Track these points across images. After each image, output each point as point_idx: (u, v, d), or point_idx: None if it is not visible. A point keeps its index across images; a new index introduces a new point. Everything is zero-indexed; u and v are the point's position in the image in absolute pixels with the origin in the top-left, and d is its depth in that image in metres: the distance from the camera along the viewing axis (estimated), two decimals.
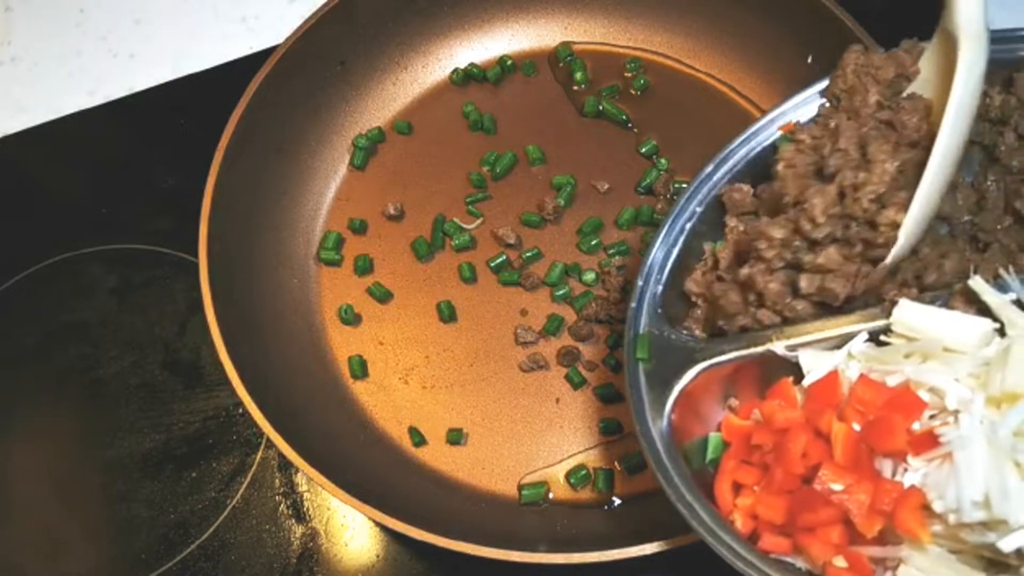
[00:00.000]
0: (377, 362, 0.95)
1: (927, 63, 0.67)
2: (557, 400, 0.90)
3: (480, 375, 0.93)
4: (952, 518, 0.54)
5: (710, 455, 0.66)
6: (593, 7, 1.08)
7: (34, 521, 0.94)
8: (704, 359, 0.67)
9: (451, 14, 1.08)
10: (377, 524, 0.83)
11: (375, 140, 1.06)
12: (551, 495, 0.86)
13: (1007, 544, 0.52)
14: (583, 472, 0.86)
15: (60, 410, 1.00)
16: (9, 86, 1.23)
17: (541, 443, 0.89)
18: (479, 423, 0.90)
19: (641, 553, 0.71)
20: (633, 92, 1.03)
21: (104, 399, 0.99)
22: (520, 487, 0.87)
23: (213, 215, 0.90)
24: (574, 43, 1.08)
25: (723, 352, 0.66)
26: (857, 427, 0.59)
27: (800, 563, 0.60)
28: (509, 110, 1.05)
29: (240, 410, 0.96)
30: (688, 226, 0.71)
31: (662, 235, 0.71)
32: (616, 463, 0.87)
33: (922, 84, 0.67)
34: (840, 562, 0.57)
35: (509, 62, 1.08)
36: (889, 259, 0.62)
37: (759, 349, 0.66)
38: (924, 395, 0.58)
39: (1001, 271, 0.62)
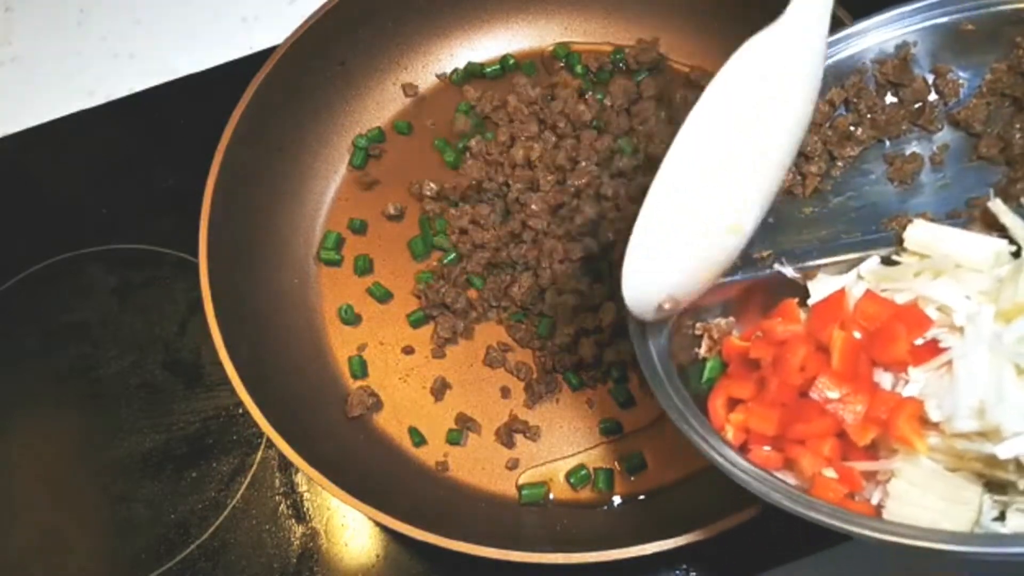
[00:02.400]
0: (377, 362, 0.95)
1: None
2: (557, 400, 0.90)
3: (480, 375, 0.93)
4: (948, 427, 0.53)
5: (706, 376, 0.66)
6: (593, 7, 1.08)
7: (34, 521, 0.94)
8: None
9: (451, 14, 1.08)
10: (377, 524, 0.83)
11: (375, 140, 1.06)
12: (551, 495, 0.86)
13: (1004, 451, 0.51)
14: (583, 472, 0.86)
15: (60, 410, 1.00)
16: (9, 86, 1.23)
17: (541, 443, 0.89)
18: (479, 423, 0.90)
19: (641, 553, 0.71)
20: (633, 92, 1.03)
21: (104, 399, 0.99)
22: (520, 487, 0.87)
23: (213, 215, 0.90)
24: (573, 43, 1.08)
25: (728, 273, 0.66)
26: (858, 335, 0.59)
27: (789, 478, 0.59)
28: (508, 110, 1.05)
29: (240, 410, 0.96)
30: None
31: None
32: (616, 463, 0.87)
33: None
34: (830, 473, 0.57)
35: (511, 61, 1.08)
36: None
37: (767, 271, 0.66)
38: (932, 313, 0.57)
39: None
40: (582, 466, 0.87)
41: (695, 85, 1.02)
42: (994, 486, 0.55)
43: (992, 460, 0.53)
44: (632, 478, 0.86)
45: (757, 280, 0.67)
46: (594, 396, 0.90)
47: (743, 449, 0.61)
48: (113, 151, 1.17)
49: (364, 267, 0.99)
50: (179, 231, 1.05)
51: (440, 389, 0.92)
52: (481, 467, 0.89)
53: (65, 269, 1.07)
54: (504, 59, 1.08)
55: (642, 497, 0.85)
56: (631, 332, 0.66)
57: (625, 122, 1.01)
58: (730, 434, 0.61)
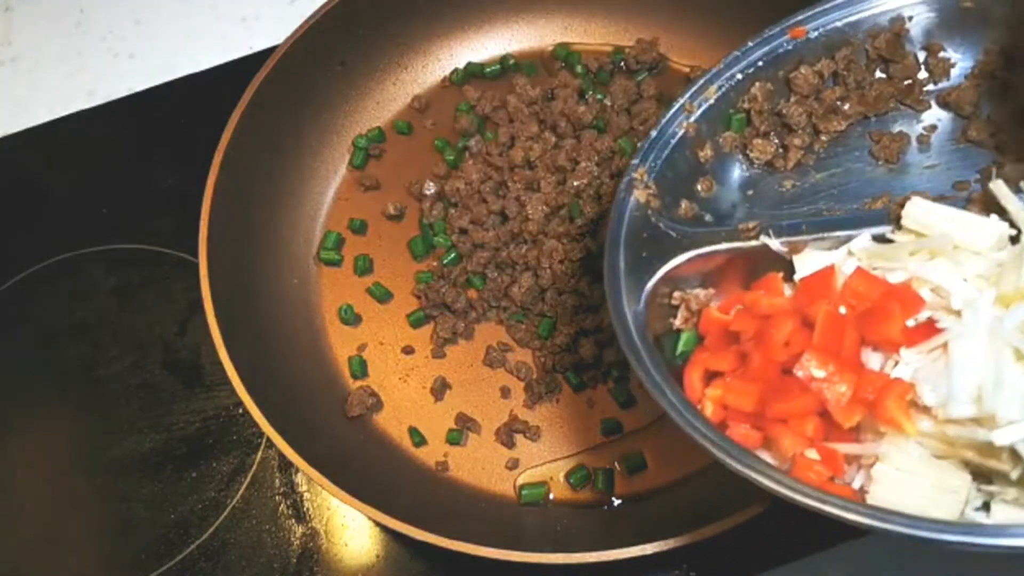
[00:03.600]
0: (377, 362, 0.95)
1: None
2: (557, 400, 0.90)
3: (480, 375, 0.93)
4: (943, 412, 0.52)
5: (680, 348, 0.64)
6: (593, 7, 1.08)
7: (34, 521, 0.94)
8: (693, 247, 0.65)
9: (451, 14, 1.08)
10: (377, 524, 0.83)
11: (375, 140, 1.06)
12: (551, 495, 0.86)
13: (1000, 437, 0.49)
14: (583, 472, 0.86)
15: (60, 410, 1.00)
16: (9, 86, 1.23)
17: (541, 443, 0.89)
18: (479, 423, 0.90)
19: (641, 553, 0.71)
20: (633, 92, 1.03)
21: (104, 399, 0.99)
22: (520, 487, 0.87)
23: (213, 215, 0.90)
24: (573, 43, 1.08)
25: (713, 242, 0.65)
26: (843, 310, 0.57)
27: (769, 458, 0.57)
28: (508, 110, 1.05)
29: (240, 410, 0.96)
30: (688, 118, 0.71)
31: (665, 119, 0.70)
32: (616, 463, 0.87)
33: None
34: (812, 454, 0.55)
35: (511, 61, 1.08)
36: None
37: (752, 243, 0.64)
38: (926, 295, 0.56)
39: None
40: (582, 466, 0.87)
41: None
42: (980, 475, 0.53)
43: (984, 448, 0.51)
44: (632, 478, 0.86)
45: (740, 252, 0.65)
46: (594, 396, 0.90)
47: (721, 426, 0.59)
48: (113, 151, 1.17)
49: (364, 267, 0.99)
50: (179, 231, 1.05)
51: (440, 389, 0.92)
52: (481, 467, 0.89)
53: (65, 269, 1.07)
54: (504, 59, 1.08)
55: (642, 497, 0.85)
56: (607, 297, 0.63)
57: (625, 122, 1.01)
58: (708, 410, 0.59)
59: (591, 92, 1.04)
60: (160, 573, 0.89)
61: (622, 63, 1.06)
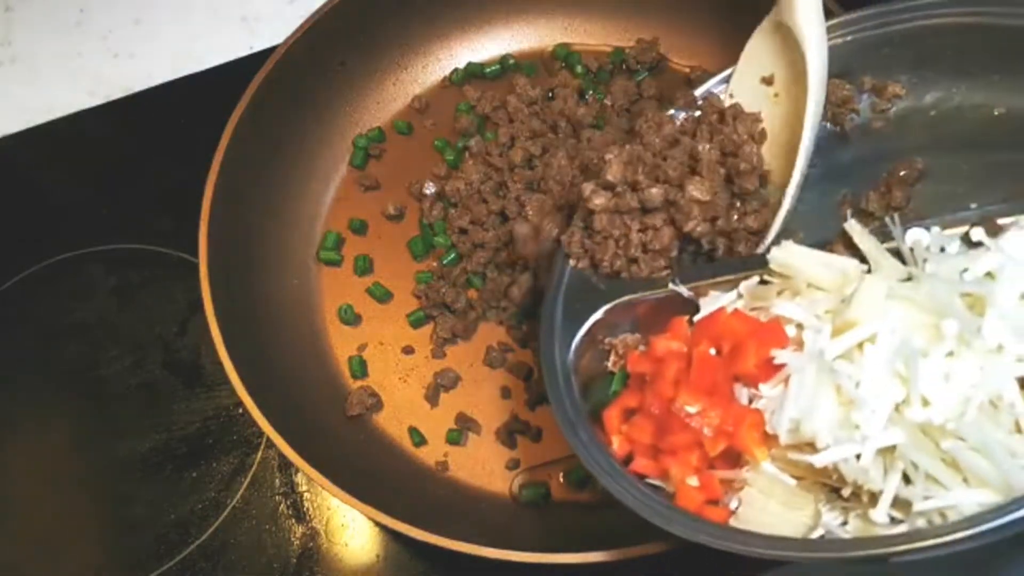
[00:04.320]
0: (377, 362, 0.95)
1: (759, 41, 0.77)
2: None
3: (480, 375, 0.93)
4: (780, 439, 0.58)
5: (613, 388, 0.70)
6: (593, 8, 1.08)
7: (34, 521, 0.94)
8: (613, 298, 0.72)
9: (451, 14, 1.08)
10: (377, 524, 0.83)
11: (375, 140, 1.06)
12: (551, 495, 0.86)
13: (818, 460, 0.55)
14: (583, 472, 0.86)
15: (60, 410, 1.00)
16: (9, 86, 1.23)
17: (541, 443, 0.89)
18: (479, 423, 0.90)
19: (641, 553, 0.71)
20: (633, 92, 1.03)
21: (104, 399, 0.99)
22: (520, 487, 0.87)
23: (213, 215, 0.90)
24: (573, 43, 1.08)
25: (632, 291, 0.72)
26: (713, 352, 0.63)
27: (667, 487, 0.64)
28: (508, 110, 1.05)
29: (240, 410, 0.96)
30: None
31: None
32: None
33: (753, 61, 0.77)
34: (693, 481, 0.61)
35: (511, 61, 1.08)
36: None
37: (663, 291, 0.71)
38: (791, 331, 0.62)
39: (887, 219, 0.66)
40: (582, 466, 0.87)
41: (695, 85, 1.02)
42: (840, 499, 0.58)
43: (821, 470, 0.56)
44: None
45: (661, 299, 0.71)
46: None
47: (627, 460, 0.65)
48: (113, 151, 1.17)
49: (364, 267, 0.99)
50: (179, 231, 1.05)
51: (439, 389, 0.92)
52: (481, 467, 0.89)
53: (65, 269, 1.07)
54: (504, 59, 1.08)
55: None
56: (540, 344, 0.71)
57: (625, 122, 1.01)
58: (615, 444, 0.66)
59: (591, 92, 1.04)
60: (160, 573, 0.89)
61: (622, 63, 1.06)
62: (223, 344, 0.83)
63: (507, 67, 1.08)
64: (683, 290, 0.70)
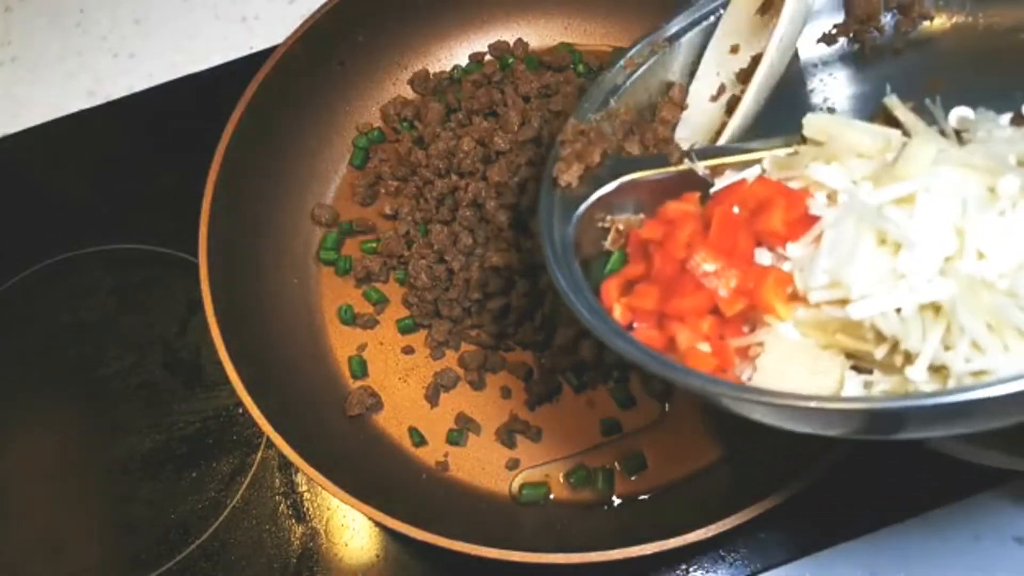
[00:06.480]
0: (377, 362, 0.95)
1: None
2: (557, 400, 0.90)
3: (480, 375, 0.92)
4: (811, 296, 0.55)
5: (609, 267, 0.67)
6: (593, 7, 1.08)
7: (34, 521, 0.94)
8: (624, 174, 0.68)
9: (451, 14, 1.08)
10: (377, 524, 0.83)
11: (375, 140, 1.06)
12: (551, 495, 0.86)
13: (854, 311, 0.52)
14: (583, 472, 0.86)
15: (60, 410, 1.00)
16: (9, 86, 1.23)
17: (541, 443, 0.89)
18: (479, 423, 0.90)
19: (641, 553, 0.71)
20: None
21: (104, 399, 0.99)
22: (520, 487, 0.87)
23: (213, 215, 0.90)
24: (574, 43, 1.08)
25: (641, 169, 0.68)
26: (737, 210, 0.60)
27: (672, 357, 0.60)
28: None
29: (240, 410, 0.96)
30: (643, 63, 0.75)
31: (614, 68, 0.74)
32: (616, 463, 0.87)
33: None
34: (704, 347, 0.58)
35: (511, 61, 1.08)
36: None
37: (678, 168, 0.67)
38: (820, 199, 0.58)
39: (927, 101, 0.63)
40: (582, 466, 0.87)
41: None
42: (862, 367, 0.56)
43: (853, 330, 0.54)
44: (632, 478, 0.86)
45: (669, 177, 0.68)
46: (594, 396, 0.90)
47: (629, 328, 0.62)
48: (113, 151, 1.17)
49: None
50: (179, 231, 1.04)
51: (439, 389, 0.92)
52: (481, 467, 0.89)
53: (65, 269, 1.07)
54: (504, 59, 1.08)
55: (642, 497, 0.85)
56: (539, 215, 0.67)
57: None
58: (617, 313, 0.62)
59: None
60: (160, 573, 0.89)
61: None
62: (223, 344, 0.83)
63: (506, 67, 1.08)
64: (699, 166, 0.66)
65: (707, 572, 0.83)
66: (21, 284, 1.07)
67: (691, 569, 0.83)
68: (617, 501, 0.85)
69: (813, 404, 0.50)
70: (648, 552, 0.71)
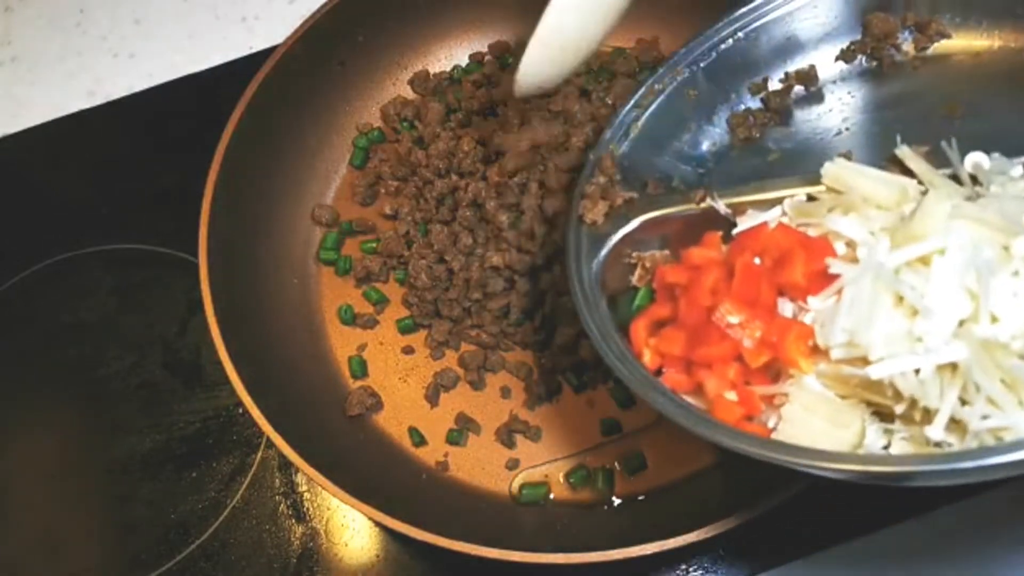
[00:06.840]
0: (377, 362, 0.95)
1: None
2: (557, 400, 0.90)
3: (480, 375, 0.92)
4: (831, 353, 0.56)
5: (636, 303, 0.68)
6: None
7: (34, 521, 0.94)
8: (646, 212, 0.70)
9: (451, 14, 1.08)
10: (377, 524, 0.83)
11: (375, 140, 1.06)
12: (551, 495, 0.86)
13: (874, 372, 0.53)
14: (583, 472, 0.86)
15: (60, 410, 1.00)
16: (9, 86, 1.23)
17: (541, 443, 0.89)
18: (479, 423, 0.90)
19: (641, 553, 0.71)
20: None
21: (104, 399, 0.99)
22: (520, 487, 0.87)
23: (213, 215, 0.90)
24: None
25: (663, 207, 0.70)
26: (758, 261, 0.61)
27: (699, 402, 0.61)
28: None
29: (240, 410, 0.96)
30: (662, 91, 0.76)
31: (634, 99, 0.75)
32: (616, 463, 0.87)
33: None
34: (731, 395, 0.59)
35: (511, 61, 1.08)
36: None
37: (700, 206, 0.68)
38: (840, 248, 0.60)
39: (943, 144, 0.63)
40: (582, 466, 0.87)
41: None
42: (883, 416, 0.57)
43: (873, 386, 0.55)
44: (632, 478, 0.86)
45: (693, 215, 0.69)
46: (594, 396, 0.90)
47: (658, 373, 0.63)
48: (113, 151, 1.17)
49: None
50: (179, 231, 1.04)
51: (439, 389, 0.92)
52: (481, 467, 0.89)
53: (65, 269, 1.07)
54: (503, 59, 1.08)
55: (642, 497, 0.85)
56: (567, 253, 0.68)
57: None
58: (647, 358, 0.63)
59: (592, 91, 1.04)
60: (160, 573, 0.89)
61: (621, 64, 1.06)
62: (223, 344, 0.83)
63: (506, 67, 1.08)
64: (720, 205, 0.68)
65: (707, 572, 0.83)
66: (21, 284, 1.07)
67: (691, 569, 0.83)
68: (617, 501, 0.85)
69: (834, 465, 0.51)
70: (648, 552, 0.71)
